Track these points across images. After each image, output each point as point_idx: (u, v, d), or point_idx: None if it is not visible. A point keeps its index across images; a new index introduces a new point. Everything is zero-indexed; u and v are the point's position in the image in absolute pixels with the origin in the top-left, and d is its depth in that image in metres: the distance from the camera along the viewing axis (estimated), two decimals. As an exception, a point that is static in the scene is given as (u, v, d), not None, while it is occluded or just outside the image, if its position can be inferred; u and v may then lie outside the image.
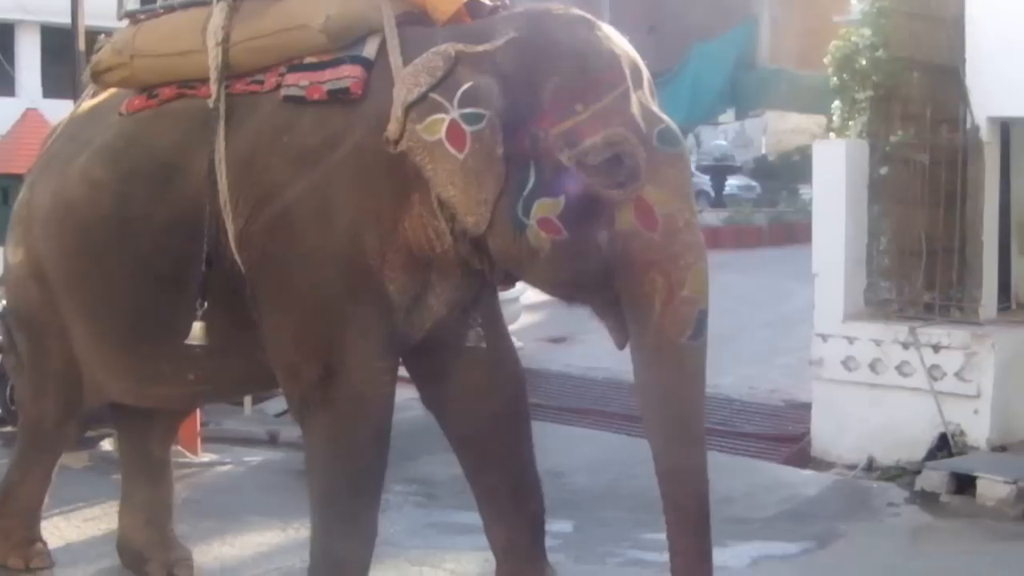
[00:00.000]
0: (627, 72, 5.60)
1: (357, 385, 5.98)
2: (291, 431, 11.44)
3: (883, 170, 11.19)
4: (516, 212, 5.49)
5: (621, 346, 5.66)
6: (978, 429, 10.30)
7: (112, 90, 6.93)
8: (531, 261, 5.58)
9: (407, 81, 5.55)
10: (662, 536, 8.69)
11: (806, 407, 11.41)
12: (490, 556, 7.31)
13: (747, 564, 8.22)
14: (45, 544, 7.59)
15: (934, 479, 9.83)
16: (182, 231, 6.16)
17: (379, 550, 8.07)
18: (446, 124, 5.46)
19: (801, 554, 8.38)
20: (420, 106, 5.49)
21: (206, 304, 6.11)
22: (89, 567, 7.82)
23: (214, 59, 6.19)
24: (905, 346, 10.60)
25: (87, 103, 7.18)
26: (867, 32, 11.28)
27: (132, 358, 6.73)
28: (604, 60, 5.62)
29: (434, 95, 5.49)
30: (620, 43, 5.74)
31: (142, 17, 6.86)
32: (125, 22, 7.00)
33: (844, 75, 11.43)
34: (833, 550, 8.66)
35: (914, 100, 11.19)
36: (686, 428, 5.60)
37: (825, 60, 11.73)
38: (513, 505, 6.65)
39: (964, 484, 9.65)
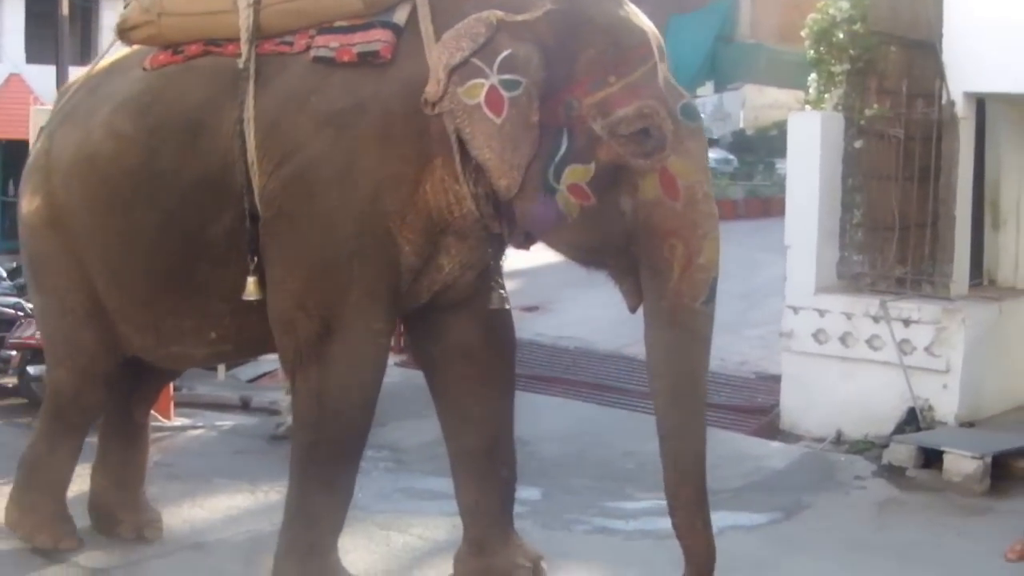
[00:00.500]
0: (655, 48, 5.84)
1: (354, 344, 6.09)
2: (263, 396, 11.49)
3: (858, 143, 11.18)
4: (547, 177, 5.69)
5: (633, 309, 5.95)
6: (947, 404, 10.35)
7: (134, 47, 6.95)
8: (558, 225, 5.80)
9: (449, 45, 5.70)
10: (628, 504, 8.83)
11: (776, 379, 11.44)
12: (457, 521, 7.35)
13: (714, 534, 8.19)
14: (73, 523, 7.45)
15: (902, 453, 9.89)
16: (210, 187, 6.23)
17: (348, 513, 8.16)
18: (485, 89, 5.63)
19: (768, 525, 8.41)
20: (462, 70, 5.66)
21: (256, 260, 6.17)
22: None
23: (245, 20, 6.25)
24: (876, 320, 10.63)
25: (107, 59, 7.19)
26: (845, 6, 11.25)
27: (154, 314, 6.76)
28: (635, 36, 5.84)
29: (475, 60, 5.65)
30: (645, 20, 5.94)
31: None
32: None
33: (821, 48, 11.41)
34: (800, 521, 8.71)
35: (890, 74, 11.15)
36: (694, 388, 5.94)
37: (802, 33, 11.70)
38: (486, 468, 6.77)
39: (931, 459, 9.71)
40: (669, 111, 5.69)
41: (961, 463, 9.41)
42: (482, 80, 5.65)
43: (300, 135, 6.04)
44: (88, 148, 6.68)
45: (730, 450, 10.33)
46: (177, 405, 10.80)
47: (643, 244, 5.72)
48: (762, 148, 32.56)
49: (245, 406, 11.39)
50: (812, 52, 11.54)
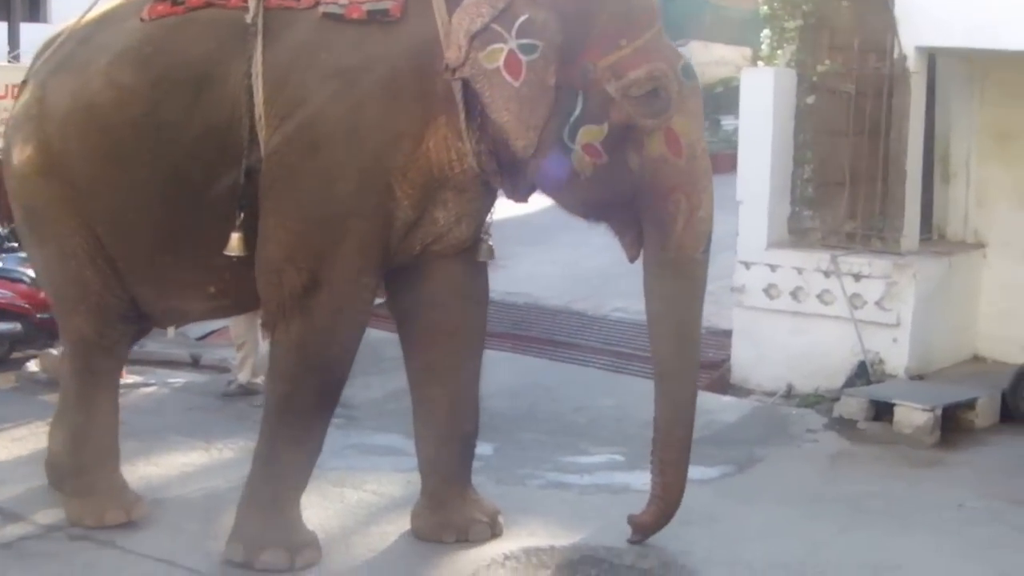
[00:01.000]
0: (658, 12, 6.16)
1: (340, 298, 6.19)
2: (212, 354, 11.46)
3: (810, 99, 11.22)
4: (563, 137, 5.96)
5: (633, 259, 6.40)
6: (897, 357, 10.44)
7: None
8: (571, 183, 6.08)
9: (470, 11, 5.86)
10: (581, 459, 8.87)
11: (727, 334, 11.48)
12: (411, 477, 7.40)
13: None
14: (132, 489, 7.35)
15: (853, 406, 9.99)
16: (215, 141, 6.25)
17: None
18: (504, 53, 5.84)
19: (720, 478, 8.46)
20: (483, 36, 5.84)
21: (243, 215, 6.22)
22: (17, 487, 7.78)
23: None
24: (827, 274, 10.71)
25: (97, 10, 7.08)
26: (798, -39, 11.27)
27: (155, 266, 6.76)
28: (642, 1, 6.14)
29: (495, 25, 5.84)
30: None
31: None
32: None
33: (775, 4, 11.44)
34: (752, 474, 8.78)
35: (843, 30, 11.20)
36: (692, 331, 6.45)
37: (756, -11, 11.72)
38: (449, 421, 6.87)
39: (882, 411, 9.81)
40: (674, 73, 5.98)
41: (912, 415, 9.52)
42: (501, 45, 5.84)
43: (307, 90, 6.10)
44: (86, 97, 6.62)
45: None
46: (128, 362, 10.73)
47: (649, 199, 6.08)
48: (708, 105, 32.39)
49: (195, 363, 11.38)
50: (766, 8, 11.59)
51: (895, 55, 10.69)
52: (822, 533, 7.46)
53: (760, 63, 12.08)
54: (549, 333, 12.54)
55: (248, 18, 6.23)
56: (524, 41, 5.86)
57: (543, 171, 6.08)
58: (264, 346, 10.49)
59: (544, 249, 14.14)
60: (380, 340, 11.85)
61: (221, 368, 11.12)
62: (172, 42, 6.47)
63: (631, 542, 6.88)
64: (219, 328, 11.59)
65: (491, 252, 6.76)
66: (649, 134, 6.01)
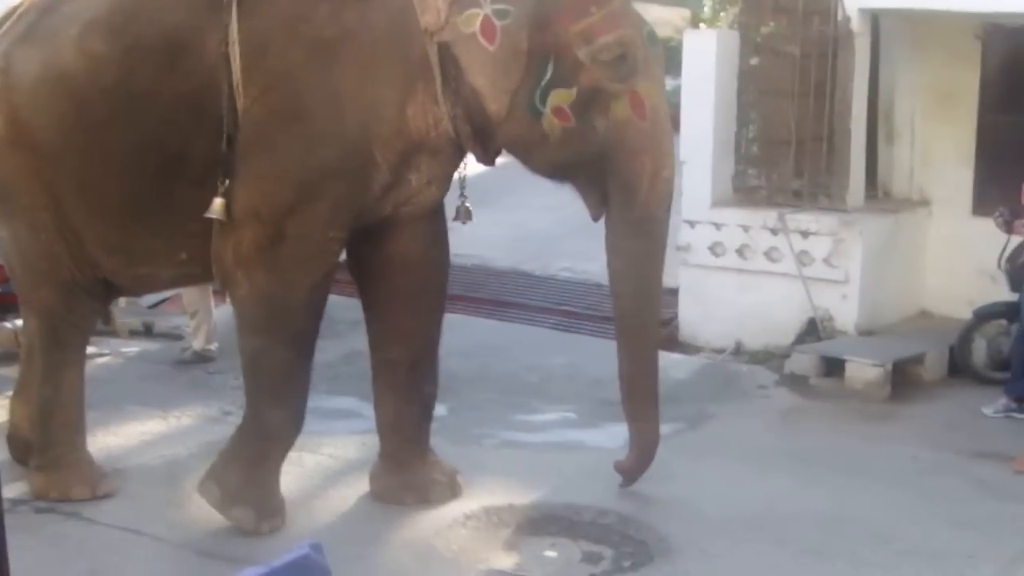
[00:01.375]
0: None
1: (306, 250, 6.26)
2: (165, 322, 11.41)
3: (753, 61, 11.30)
4: (534, 101, 6.09)
5: (597, 219, 6.56)
6: (846, 314, 10.56)
7: None
8: (540, 145, 6.22)
9: None
10: (534, 418, 8.95)
11: (674, 292, 11.48)
12: (367, 439, 7.44)
13: (621, 445, 8.30)
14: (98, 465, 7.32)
15: (803, 362, 10.11)
16: (190, 108, 6.26)
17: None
18: (480, 18, 5.96)
19: (673, 435, 8.50)
20: (460, 1, 5.95)
21: (227, 182, 6.23)
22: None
23: None
24: (774, 232, 10.79)
25: None
26: (742, -77, 11.33)
27: (126, 234, 6.74)
28: None
29: None
30: None
31: None
32: None
33: (716, -34, 11.51)
34: (705, 431, 8.88)
35: (786, -8, 11.25)
36: (653, 287, 6.64)
37: (698, -52, 11.77)
38: (409, 382, 6.93)
39: (833, 367, 9.94)
40: (641, 39, 6.13)
41: (863, 371, 9.66)
42: (477, 10, 5.96)
43: (288, 62, 6.15)
44: (57, 67, 6.58)
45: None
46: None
47: (614, 160, 6.24)
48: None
49: (148, 331, 11.31)
50: (708, -30, 11.64)
51: (839, 17, 10.74)
52: (778, 487, 7.58)
53: (702, 25, 12.13)
54: (498, 294, 12.60)
55: None
56: (498, 6, 5.96)
57: (514, 134, 6.18)
58: (217, 312, 10.50)
59: (488, 212, 14.09)
60: (333, 303, 11.83)
61: (174, 336, 11.09)
62: (143, 11, 6.47)
63: (622, 486, 7.13)
64: (171, 296, 11.55)
65: (469, 213, 6.92)
66: (615, 98, 6.15)
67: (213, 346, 10.32)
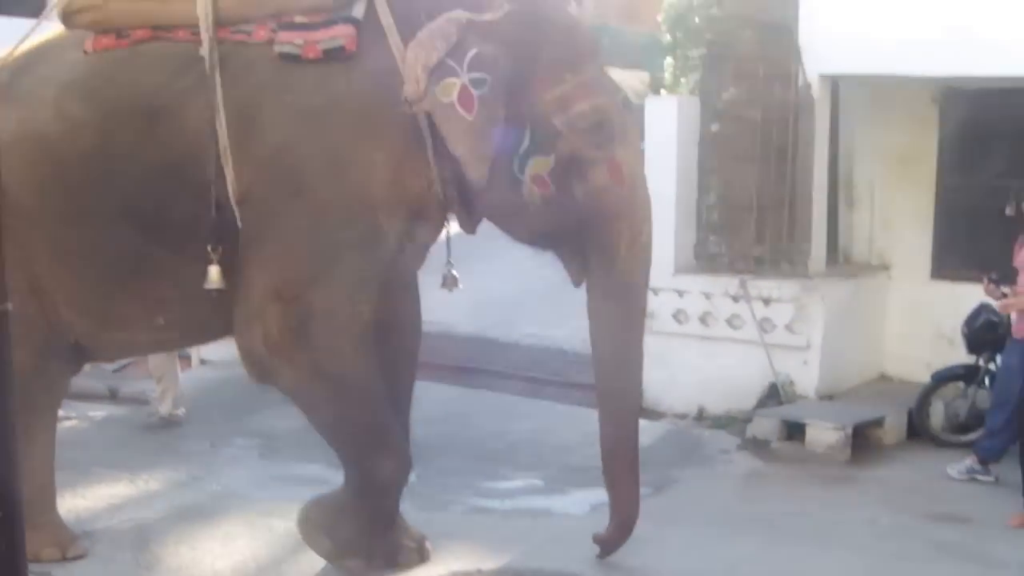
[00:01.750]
0: (598, 46, 6.42)
1: (338, 320, 6.25)
2: (130, 386, 11.43)
3: (714, 127, 11.48)
4: (513, 169, 6.13)
5: (578, 285, 6.57)
6: (807, 379, 10.73)
7: (59, 30, 6.87)
8: (521, 213, 6.26)
9: (425, 45, 5.98)
10: (501, 484, 9.01)
11: (638, 359, 11.63)
12: (334, 506, 7.44)
13: (587, 511, 8.45)
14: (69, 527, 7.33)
15: (765, 426, 10.26)
16: (170, 173, 6.27)
17: (228, 502, 8.29)
18: (458, 88, 5.97)
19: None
20: (438, 70, 5.96)
21: (220, 248, 6.25)
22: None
23: (203, 8, 6.30)
24: (735, 299, 10.95)
25: (30, 41, 7.01)
26: (702, -10, 11.52)
27: (102, 298, 6.69)
28: (585, 35, 6.40)
29: (448, 60, 5.97)
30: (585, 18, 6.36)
31: None
32: None
33: (678, 33, 11.68)
34: (670, 495, 8.96)
35: (747, 57, 11.43)
36: (634, 353, 6.62)
37: (659, 18, 11.95)
38: None
39: (794, 431, 10.10)
40: (616, 105, 6.21)
41: (823, 434, 9.81)
42: (455, 79, 5.97)
43: (281, 134, 6.16)
44: (34, 128, 6.58)
45: (597, 428, 10.54)
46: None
47: (593, 227, 6.27)
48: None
49: (113, 396, 11.35)
50: (669, 37, 11.80)
51: (799, 83, 10.95)
52: (741, 552, 7.67)
53: (663, 91, 12.29)
54: (463, 360, 12.63)
55: (202, 51, 6.28)
56: (475, 75, 6.00)
57: (495, 203, 6.22)
58: (183, 377, 10.57)
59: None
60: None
61: (140, 400, 11.11)
62: (120, 75, 6.49)
63: (599, 557, 7.11)
64: (135, 360, 11.60)
65: (455, 280, 6.96)
66: (593, 165, 6.20)
67: (180, 411, 10.39)
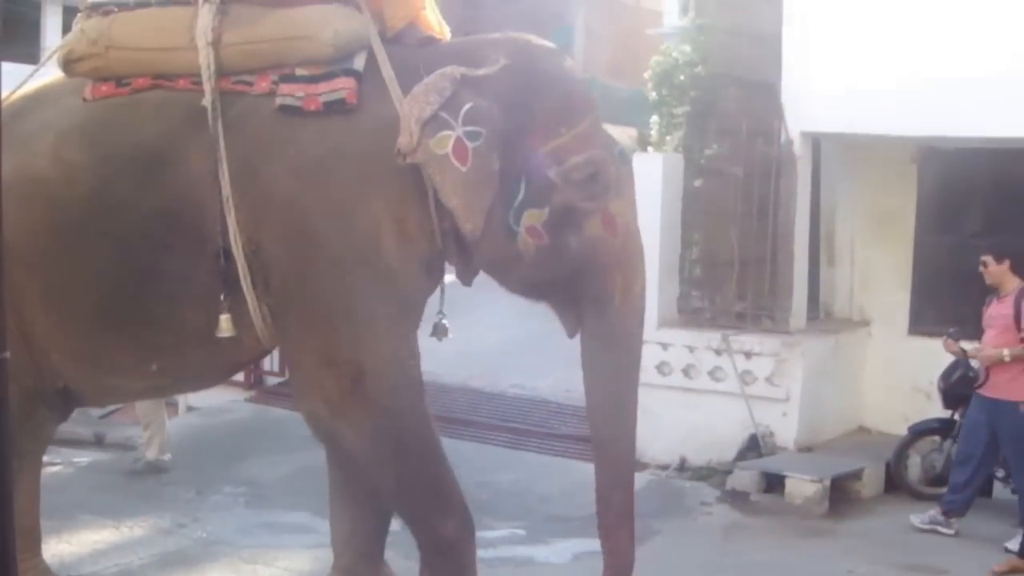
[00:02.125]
0: (594, 100, 6.36)
1: (391, 380, 6.20)
2: (116, 432, 11.47)
3: (697, 183, 11.64)
4: (508, 220, 6.07)
5: (572, 335, 6.46)
6: (786, 431, 10.85)
7: (56, 76, 6.87)
8: (515, 264, 6.21)
9: (419, 99, 5.97)
10: (485, 534, 9.07)
11: (621, 411, 11.73)
12: (320, 554, 7.53)
13: (569, 560, 8.54)
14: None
15: (745, 478, 10.37)
16: (169, 221, 6.24)
17: (213, 549, 8.33)
18: (452, 140, 5.94)
19: (620, 550, 8.73)
20: (432, 123, 5.93)
21: (227, 298, 6.20)
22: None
23: (205, 58, 6.29)
24: (718, 352, 11.08)
25: (28, 87, 7.00)
26: (687, 49, 11.69)
27: (95, 344, 6.63)
28: (581, 89, 6.38)
29: (443, 113, 5.94)
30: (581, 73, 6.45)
31: (114, 9, 6.72)
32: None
33: (663, 90, 11.84)
34: (650, 547, 8.90)
35: (730, 115, 11.63)
36: (628, 400, 6.47)
37: (645, 75, 12.09)
38: (367, 498, 6.91)
39: (773, 483, 10.20)
40: (612, 158, 6.17)
41: (802, 487, 9.91)
42: (449, 132, 5.93)
43: (285, 188, 6.15)
44: (33, 172, 6.50)
45: (580, 479, 10.49)
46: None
47: (587, 277, 6.21)
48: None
49: (99, 442, 11.38)
50: (654, 94, 11.95)
51: (781, 140, 11.11)
52: (718, 604, 7.77)
53: (649, 147, 12.43)
54: (447, 411, 12.64)
55: (204, 101, 6.25)
56: (470, 128, 5.98)
57: (490, 254, 6.19)
58: (170, 424, 10.63)
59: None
60: (285, 419, 12.00)
61: (126, 446, 11.15)
62: (119, 122, 6.46)
63: None
64: (121, 407, 11.66)
65: (446, 330, 6.86)
66: (588, 216, 6.15)
67: (166, 456, 10.44)
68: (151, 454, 10.47)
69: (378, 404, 6.22)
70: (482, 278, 6.47)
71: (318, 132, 6.22)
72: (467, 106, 6.02)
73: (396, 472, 6.41)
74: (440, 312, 6.80)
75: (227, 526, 9.05)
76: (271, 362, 12.62)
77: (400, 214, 6.17)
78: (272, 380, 13.57)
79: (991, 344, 9.08)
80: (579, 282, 6.28)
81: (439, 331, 6.83)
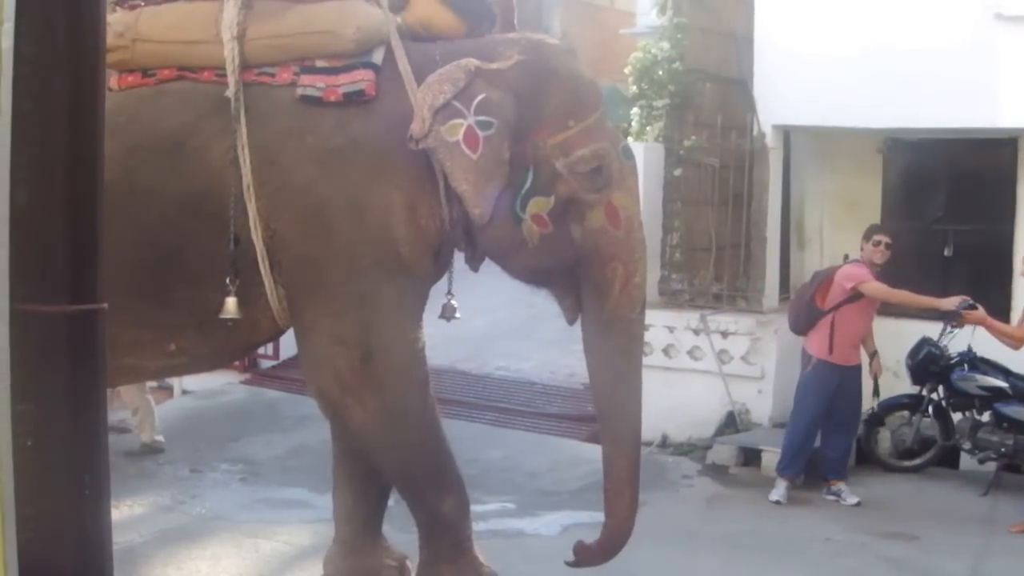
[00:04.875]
0: (602, 97, 6.27)
1: (398, 360, 6.18)
2: (111, 415, 11.34)
3: (677, 172, 11.62)
4: (515, 207, 6.03)
5: (572, 322, 6.41)
6: (762, 407, 10.86)
7: None
8: (519, 250, 6.15)
9: (433, 88, 5.94)
10: (476, 508, 8.88)
11: (606, 390, 11.71)
12: (319, 528, 7.49)
13: (558, 532, 8.50)
14: None
15: (724, 453, 10.37)
16: (192, 209, 6.16)
17: (213, 524, 8.24)
18: (464, 128, 5.90)
19: (607, 521, 8.71)
20: (444, 111, 5.90)
21: (238, 280, 6.10)
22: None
23: (230, 51, 6.21)
24: (696, 332, 11.06)
25: None
26: (666, 46, 11.67)
27: (114, 325, 6.55)
28: (590, 85, 6.26)
29: (455, 102, 5.91)
30: (590, 71, 6.38)
31: (140, 3, 6.72)
32: None
33: (643, 85, 11.82)
34: (637, 518, 8.91)
35: (706, 109, 11.66)
36: (632, 376, 6.38)
37: (625, 71, 12.07)
38: (367, 472, 6.87)
39: (750, 457, 10.21)
40: (616, 152, 6.10)
41: (777, 460, 9.80)
42: (461, 120, 5.91)
43: (303, 175, 6.12)
44: None
45: (567, 456, 10.64)
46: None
47: (589, 266, 6.17)
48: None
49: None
50: (635, 88, 11.94)
51: (754, 132, 11.17)
52: (704, 569, 7.76)
53: (629, 138, 12.40)
54: (437, 392, 12.48)
55: (228, 92, 6.17)
56: (481, 118, 5.95)
57: (496, 239, 6.20)
58: (165, 407, 10.52)
59: (425, 314, 14.19)
60: (279, 399, 11.95)
61: (120, 429, 11.03)
62: (145, 112, 6.35)
63: (567, 563, 6.75)
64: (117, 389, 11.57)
65: (454, 310, 6.82)
66: (591, 207, 6.11)
67: (160, 437, 10.35)
68: (145, 436, 10.40)
69: (385, 383, 6.20)
70: (462, 266, 6.44)
71: (337, 122, 6.18)
72: (480, 96, 5.99)
73: (398, 450, 6.40)
74: (449, 294, 6.78)
75: (225, 502, 8.97)
76: (265, 346, 12.55)
77: (412, 202, 6.15)
78: (266, 363, 13.50)
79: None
80: (581, 270, 6.26)
81: (447, 311, 6.81)
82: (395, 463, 6.51)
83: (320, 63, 6.28)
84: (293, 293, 6.20)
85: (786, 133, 11.42)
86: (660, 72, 11.62)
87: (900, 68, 10.23)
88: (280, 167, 6.14)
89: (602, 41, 22.71)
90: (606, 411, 6.50)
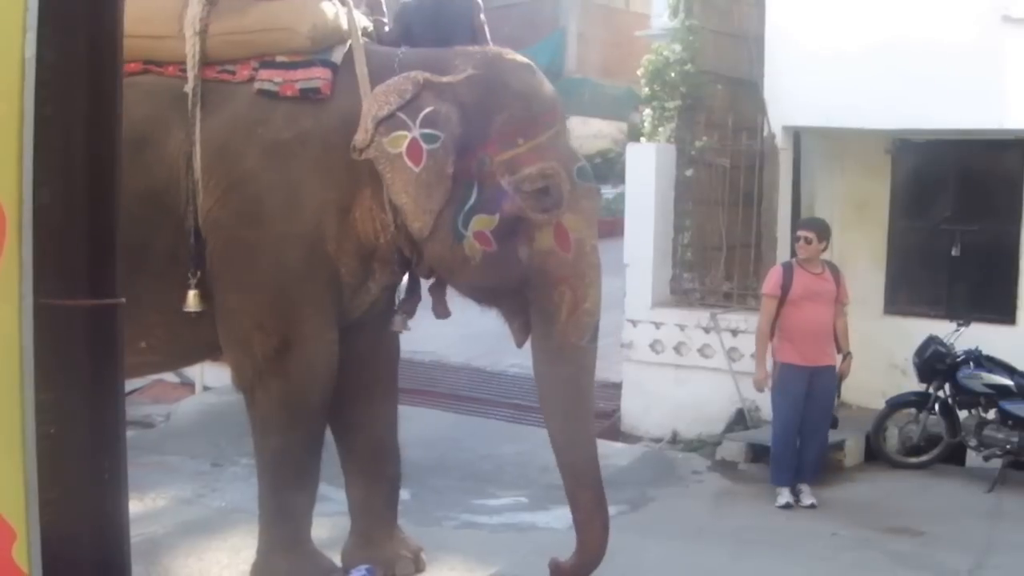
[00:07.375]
0: (559, 114, 6.19)
1: (310, 356, 6.24)
2: (135, 411, 11.38)
3: (688, 172, 11.67)
4: (457, 224, 5.96)
5: (520, 345, 6.33)
6: (770, 405, 10.71)
7: None
8: (462, 267, 6.07)
9: (379, 99, 5.93)
10: (491, 502, 9.07)
11: (617, 386, 11.81)
12: (336, 521, 7.52)
13: (568, 525, 8.45)
14: None
15: (733, 449, 10.42)
16: (154, 202, 6.14)
17: (233, 517, 8.30)
18: (407, 141, 5.87)
19: (618, 516, 8.60)
20: (388, 122, 5.89)
21: (199, 273, 6.17)
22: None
23: (191, 47, 6.26)
24: (707, 330, 11.11)
25: None
26: (677, 48, 11.72)
27: None
28: (544, 103, 6.17)
29: (400, 114, 5.89)
30: (552, 88, 6.29)
31: None
32: None
33: (655, 86, 11.87)
34: (646, 512, 9.07)
35: (718, 110, 11.72)
36: (582, 409, 6.29)
37: (639, 72, 12.13)
38: (373, 467, 6.93)
39: (759, 454, 10.21)
40: (567, 172, 6.00)
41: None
42: (405, 132, 5.88)
43: (248, 164, 6.13)
44: None
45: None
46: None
47: (536, 289, 6.04)
48: (588, 176, 32.91)
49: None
50: (647, 90, 11.99)
51: (765, 133, 11.20)
52: (713, 563, 7.78)
53: (642, 139, 12.46)
54: (453, 388, 12.72)
55: (187, 87, 6.24)
56: (427, 131, 5.91)
57: (437, 254, 6.09)
58: (187, 402, 10.57)
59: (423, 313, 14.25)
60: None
61: (144, 424, 11.12)
62: None
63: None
64: (141, 387, 11.62)
65: (405, 322, 6.73)
66: (540, 228, 5.99)
67: None
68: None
69: (292, 376, 6.25)
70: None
71: (289, 116, 6.19)
72: (427, 110, 5.94)
73: (279, 439, 6.38)
74: (402, 303, 6.69)
75: (245, 496, 8.90)
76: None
77: (347, 204, 6.13)
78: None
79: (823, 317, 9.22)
80: (529, 293, 6.12)
81: (399, 323, 6.66)
82: (273, 450, 6.46)
83: (280, 58, 6.28)
84: (222, 273, 6.18)
85: (796, 134, 11.44)
86: (672, 74, 11.67)
87: (909, 70, 10.26)
88: (228, 158, 6.11)
89: (618, 43, 22.75)
90: (560, 445, 6.33)
